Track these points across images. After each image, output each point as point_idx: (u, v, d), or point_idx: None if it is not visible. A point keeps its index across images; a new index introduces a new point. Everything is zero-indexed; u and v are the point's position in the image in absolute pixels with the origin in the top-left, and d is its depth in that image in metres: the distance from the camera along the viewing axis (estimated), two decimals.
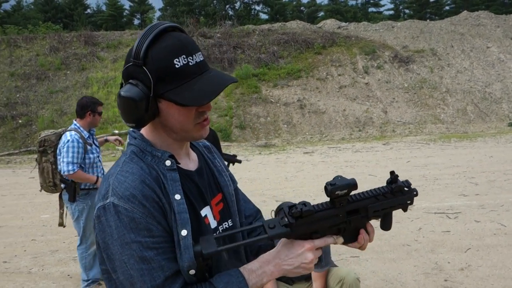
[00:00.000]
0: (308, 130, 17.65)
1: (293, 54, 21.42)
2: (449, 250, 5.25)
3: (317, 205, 1.19)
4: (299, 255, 1.15)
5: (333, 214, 1.19)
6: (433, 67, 21.24)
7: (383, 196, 1.25)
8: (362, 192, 1.24)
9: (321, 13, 52.55)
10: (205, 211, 1.27)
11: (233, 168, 4.22)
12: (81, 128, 4.29)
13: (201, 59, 1.17)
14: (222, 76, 1.18)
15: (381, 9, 57.68)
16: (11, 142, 16.56)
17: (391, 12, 57.03)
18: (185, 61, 1.13)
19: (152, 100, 1.13)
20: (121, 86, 1.17)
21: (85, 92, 18.84)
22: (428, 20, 27.69)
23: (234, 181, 1.48)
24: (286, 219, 1.15)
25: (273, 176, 10.35)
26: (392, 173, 1.26)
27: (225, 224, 1.36)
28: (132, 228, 1.08)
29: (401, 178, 1.31)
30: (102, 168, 4.39)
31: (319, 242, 1.18)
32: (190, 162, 1.31)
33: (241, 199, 1.52)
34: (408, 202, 1.29)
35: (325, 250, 3.33)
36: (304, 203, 1.15)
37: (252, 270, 1.16)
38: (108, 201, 1.11)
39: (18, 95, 18.53)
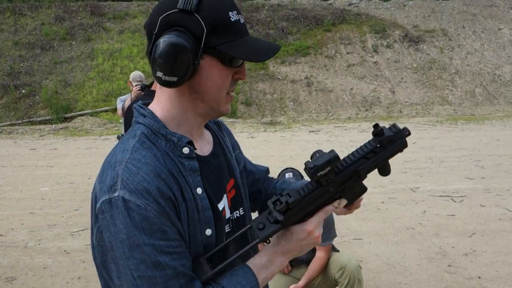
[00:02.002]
0: (314, 109, 17.47)
1: (302, 30, 21.07)
2: (454, 234, 5.18)
3: (303, 188, 1.07)
4: (305, 238, 1.07)
5: (322, 192, 1.09)
6: (443, 47, 20.87)
7: (372, 153, 1.12)
8: (349, 156, 1.12)
9: None
10: (223, 202, 1.16)
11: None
12: None
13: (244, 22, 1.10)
14: (265, 40, 1.10)
15: None
16: (13, 112, 16.49)
17: None
18: (237, 17, 1.04)
19: (200, 53, 1.00)
20: (154, 38, 1.01)
21: (89, 64, 18.69)
22: (440, 0, 27.09)
23: (239, 163, 1.34)
24: (274, 215, 1.04)
25: (277, 154, 10.26)
26: (375, 126, 1.13)
27: (236, 213, 1.24)
28: (145, 229, 0.93)
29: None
30: None
31: (320, 217, 1.09)
32: (205, 145, 1.18)
33: (249, 169, 1.42)
34: (402, 147, 1.16)
35: (329, 221, 3.22)
36: (289, 194, 1.04)
37: (262, 265, 1.06)
38: (116, 194, 0.94)
39: (22, 65, 18.38)
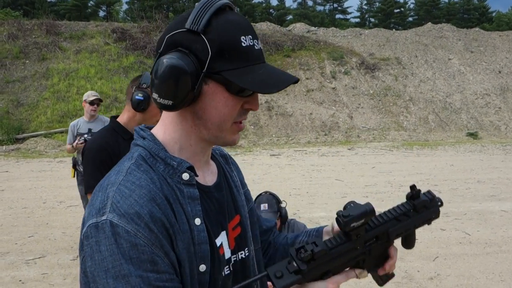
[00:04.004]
0: (275, 132, 17.60)
1: None
2: (418, 258, 5.25)
3: (330, 240, 1.01)
4: None
5: (349, 248, 1.02)
6: (397, 75, 21.67)
7: (405, 216, 1.09)
8: (381, 214, 1.08)
9: (290, 17, 52.91)
10: (221, 239, 1.05)
11: None
12: None
13: (261, 47, 1.00)
14: (282, 70, 1.00)
15: (348, 16, 58.72)
16: None
17: (357, 20, 58.12)
18: (251, 42, 0.94)
19: (202, 78, 0.92)
20: (158, 56, 0.94)
21: (44, 84, 18.13)
22: (393, 30, 28.27)
23: (250, 200, 1.25)
24: (295, 264, 0.95)
25: None
26: (412, 188, 1.10)
27: (241, 254, 1.12)
28: (133, 258, 0.83)
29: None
30: None
31: (341, 278, 0.99)
32: (208, 175, 1.08)
33: (257, 219, 1.30)
34: (433, 216, 1.14)
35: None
36: (315, 242, 0.96)
37: None
38: (104, 218, 0.85)
39: None
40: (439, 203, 1.13)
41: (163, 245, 0.87)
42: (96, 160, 2.47)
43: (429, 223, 1.15)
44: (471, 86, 21.98)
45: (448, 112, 20.37)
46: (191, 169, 0.97)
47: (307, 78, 20.35)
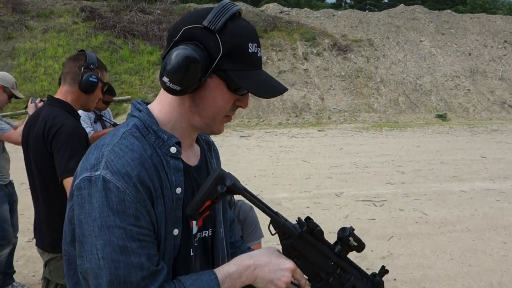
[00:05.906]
0: (246, 114, 17.55)
1: None
2: (374, 238, 5.36)
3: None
4: (280, 269, 1.10)
5: (331, 255, 1.18)
6: (369, 57, 21.78)
7: (366, 279, 1.26)
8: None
9: None
10: None
11: None
12: None
13: (261, 55, 1.14)
14: (274, 79, 1.15)
15: None
16: None
17: (333, 1, 57.93)
18: (255, 50, 1.08)
19: (209, 72, 1.04)
20: (173, 44, 1.05)
21: (10, 63, 17.60)
22: (367, 11, 28.32)
23: None
24: (297, 224, 1.14)
25: None
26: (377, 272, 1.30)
27: (205, 233, 1.24)
28: (119, 211, 0.95)
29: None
30: None
31: (299, 274, 1.15)
32: (192, 157, 1.21)
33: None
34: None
35: (254, 221, 3.03)
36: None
37: (228, 273, 1.07)
38: (98, 173, 0.97)
39: None
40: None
41: (146, 205, 0.99)
42: (76, 142, 2.23)
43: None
44: (441, 68, 22.28)
45: (418, 94, 20.63)
46: (178, 145, 1.10)
47: (279, 59, 20.28)
